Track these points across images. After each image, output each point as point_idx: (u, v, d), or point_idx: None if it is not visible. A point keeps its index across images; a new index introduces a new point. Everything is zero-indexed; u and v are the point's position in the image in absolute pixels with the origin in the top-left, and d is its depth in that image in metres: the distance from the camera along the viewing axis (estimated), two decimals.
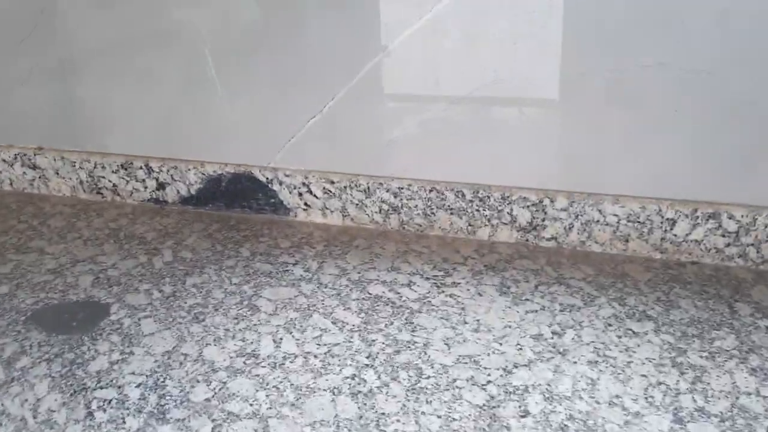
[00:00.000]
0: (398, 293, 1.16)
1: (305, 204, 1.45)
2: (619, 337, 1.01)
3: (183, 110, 1.46)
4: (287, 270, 1.26)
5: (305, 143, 1.40)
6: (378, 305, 1.12)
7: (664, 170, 1.17)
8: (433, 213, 1.36)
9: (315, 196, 1.43)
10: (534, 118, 1.21)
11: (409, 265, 1.26)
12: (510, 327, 1.05)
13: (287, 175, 1.44)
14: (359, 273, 1.23)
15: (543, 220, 1.29)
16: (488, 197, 1.30)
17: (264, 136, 1.43)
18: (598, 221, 1.24)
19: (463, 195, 1.32)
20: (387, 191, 1.37)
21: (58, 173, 1.64)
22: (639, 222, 1.21)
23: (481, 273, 1.22)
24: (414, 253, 1.30)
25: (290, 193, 1.45)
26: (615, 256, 1.25)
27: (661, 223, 1.19)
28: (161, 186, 1.55)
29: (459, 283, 1.18)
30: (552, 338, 1.01)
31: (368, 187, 1.38)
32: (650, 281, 1.16)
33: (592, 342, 1.00)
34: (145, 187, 1.57)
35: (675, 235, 1.20)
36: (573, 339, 1.01)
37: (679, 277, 1.17)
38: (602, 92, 1.14)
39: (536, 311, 1.09)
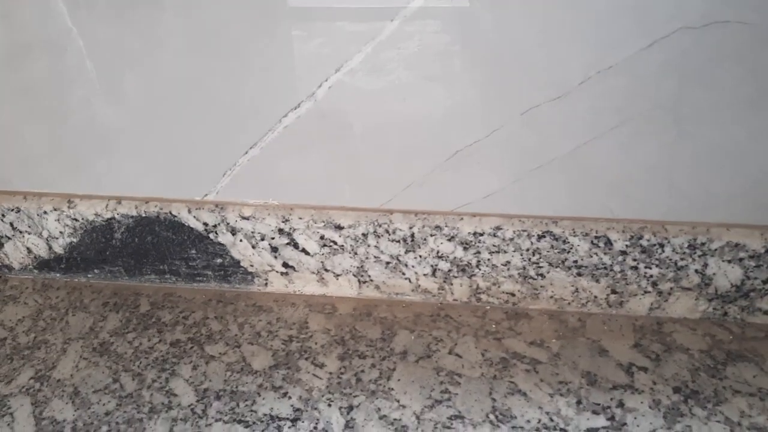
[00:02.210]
0: None
1: (284, 264, 0.77)
2: None
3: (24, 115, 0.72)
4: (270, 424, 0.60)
5: (278, 158, 0.71)
6: None
7: None
8: (542, 274, 0.72)
9: (304, 250, 0.75)
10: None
11: (518, 397, 0.63)
12: None
13: (245, 217, 0.74)
14: (426, 423, 0.59)
15: (766, 281, 0.68)
16: (658, 245, 0.67)
17: (196, 146, 0.72)
18: None
19: (608, 243, 0.69)
20: (450, 239, 0.71)
21: None
22: None
23: (672, 403, 0.61)
24: (521, 363, 0.67)
25: (253, 246, 0.76)
26: None
27: None
28: None
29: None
30: None
31: (412, 234, 0.71)
32: None
33: None
34: None
35: None
36: None
37: None
38: None
39: None
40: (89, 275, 0.82)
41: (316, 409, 0.64)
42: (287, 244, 0.75)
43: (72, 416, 0.64)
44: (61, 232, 0.79)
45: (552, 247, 0.70)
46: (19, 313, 0.78)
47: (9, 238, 0.80)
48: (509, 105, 0.64)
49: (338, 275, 0.77)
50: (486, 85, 0.63)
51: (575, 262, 0.71)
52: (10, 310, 0.78)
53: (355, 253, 0.74)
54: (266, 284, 0.79)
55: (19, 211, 0.78)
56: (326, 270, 0.77)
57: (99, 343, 0.73)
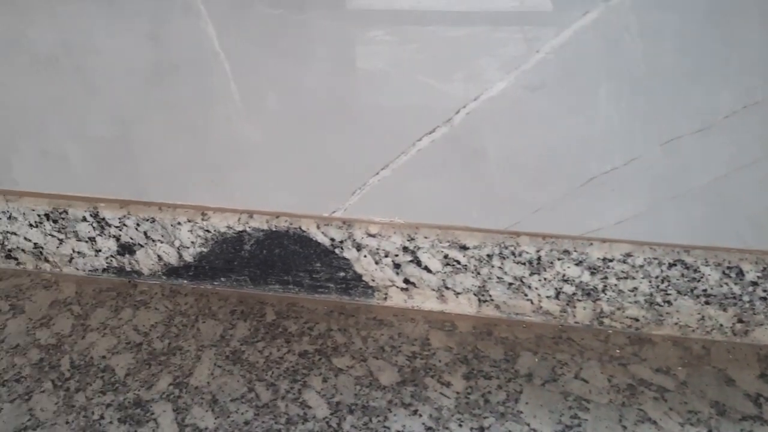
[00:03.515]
0: None
1: (405, 281, 0.79)
2: None
3: (148, 114, 0.75)
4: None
5: (408, 179, 0.72)
6: None
7: None
8: (668, 301, 0.72)
9: (427, 268, 0.77)
10: None
11: (648, 425, 0.63)
12: None
13: (371, 235, 0.76)
14: None
15: None
16: None
17: (329, 165, 0.74)
18: None
19: (740, 273, 0.68)
20: (577, 263, 0.72)
21: None
22: None
23: None
24: (648, 390, 0.68)
25: (377, 262, 0.78)
26: None
27: None
28: (126, 249, 0.85)
29: None
30: None
31: (539, 257, 0.72)
32: None
33: None
34: (97, 251, 0.86)
35: None
36: None
37: None
38: None
39: None
40: (215, 283, 0.85)
41: (447, 428, 0.65)
42: (410, 261, 0.77)
43: (213, 424, 0.67)
44: (192, 242, 0.82)
45: (682, 275, 0.70)
46: (151, 319, 0.82)
47: (141, 246, 0.84)
48: (651, 135, 0.64)
49: (458, 293, 0.78)
50: (630, 114, 0.63)
51: (704, 290, 0.71)
52: (142, 315, 0.82)
53: (478, 273, 0.76)
54: (385, 299, 0.81)
55: (153, 221, 0.82)
56: (446, 288, 0.78)
57: (231, 351, 0.76)
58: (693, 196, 0.66)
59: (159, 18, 0.69)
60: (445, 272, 0.77)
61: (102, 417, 0.69)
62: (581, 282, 0.73)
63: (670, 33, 0.58)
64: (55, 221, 0.85)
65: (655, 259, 0.70)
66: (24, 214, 0.86)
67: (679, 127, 0.63)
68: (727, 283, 0.70)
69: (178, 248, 0.84)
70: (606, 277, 0.72)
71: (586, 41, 0.60)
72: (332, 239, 0.78)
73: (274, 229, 0.79)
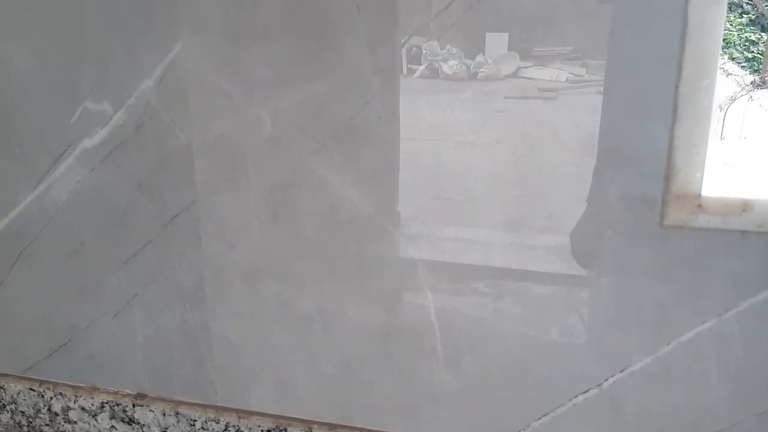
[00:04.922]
0: None
1: None
2: None
3: (371, 353, 1.04)
4: None
5: (563, 425, 0.98)
6: None
7: None
8: None
9: None
10: None
11: None
12: None
13: None
14: None
15: None
16: None
17: (502, 409, 1.00)
18: None
19: None
20: None
21: None
22: None
23: None
24: None
25: None
26: None
27: None
28: None
29: None
30: None
31: None
32: None
33: None
34: None
35: None
36: None
37: None
38: None
39: None
40: None
41: None
42: None
43: None
44: None
45: None
46: None
47: None
48: (748, 406, 0.91)
49: None
50: (733, 389, 0.90)
51: None
52: None
53: None
54: None
55: None
56: None
57: None
58: None
59: (394, 296, 1.00)
60: None
61: None
62: None
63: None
64: None
65: None
66: (251, 429, 1.12)
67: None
68: None
69: None
70: None
71: (701, 344, 0.89)
72: None
73: None
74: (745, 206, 0.82)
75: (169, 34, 0.96)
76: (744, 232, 0.84)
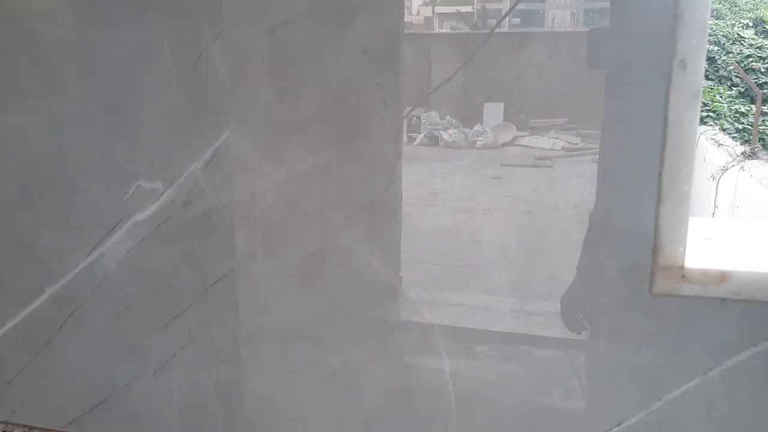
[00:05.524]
0: None
1: None
2: None
3: None
4: None
5: None
6: None
7: None
8: None
9: None
10: None
11: None
12: None
13: None
14: None
15: None
16: None
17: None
18: None
19: None
20: None
21: None
22: None
23: None
24: None
25: None
26: None
27: None
28: None
29: None
30: None
31: None
32: None
33: None
34: None
35: None
36: None
37: None
38: None
39: None
40: None
41: None
42: None
43: None
44: None
45: None
46: None
47: None
48: None
49: None
50: None
51: None
52: None
53: None
54: None
55: None
56: None
57: None
58: None
59: (412, 363, 1.11)
60: None
61: None
62: None
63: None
64: None
65: None
66: None
67: None
68: None
69: None
70: None
71: (690, 399, 1.00)
72: None
73: None
74: (723, 276, 0.95)
75: (219, 122, 1.10)
76: (723, 300, 0.96)
